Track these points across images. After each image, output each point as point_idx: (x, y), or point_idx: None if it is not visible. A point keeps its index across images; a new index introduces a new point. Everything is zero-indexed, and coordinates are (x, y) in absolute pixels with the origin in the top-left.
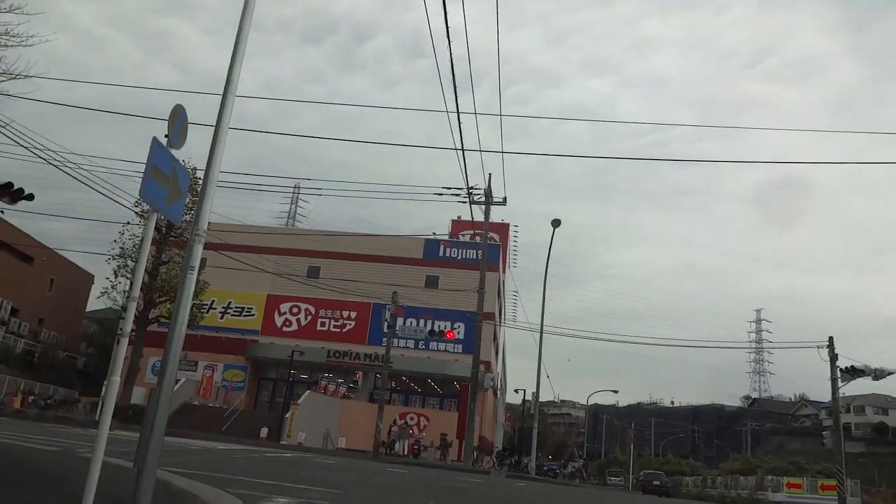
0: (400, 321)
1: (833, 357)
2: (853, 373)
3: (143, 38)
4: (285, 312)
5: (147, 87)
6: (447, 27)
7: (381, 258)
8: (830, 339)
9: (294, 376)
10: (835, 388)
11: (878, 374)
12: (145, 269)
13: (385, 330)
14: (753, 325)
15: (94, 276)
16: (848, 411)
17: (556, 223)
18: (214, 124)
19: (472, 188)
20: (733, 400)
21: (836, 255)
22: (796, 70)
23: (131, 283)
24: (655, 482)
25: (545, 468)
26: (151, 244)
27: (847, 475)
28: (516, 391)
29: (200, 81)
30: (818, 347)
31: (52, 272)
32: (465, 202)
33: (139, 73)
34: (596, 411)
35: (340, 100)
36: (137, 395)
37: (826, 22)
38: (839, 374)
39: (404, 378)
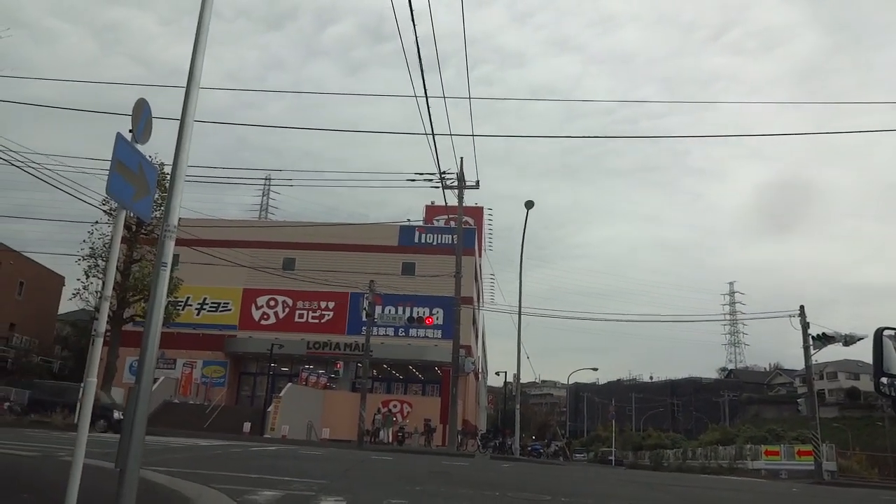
0: (378, 309)
1: (805, 325)
2: (825, 340)
3: (96, 30)
4: (262, 306)
5: (106, 81)
6: (411, 8)
7: (357, 247)
8: (801, 307)
9: (274, 369)
10: (807, 356)
11: (849, 340)
12: (117, 268)
13: (364, 319)
14: (727, 297)
15: (64, 278)
16: (821, 378)
17: (529, 205)
18: (179, 117)
19: (444, 173)
20: (710, 372)
21: (802, 225)
22: (759, 42)
23: (103, 283)
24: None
25: (529, 448)
26: (122, 242)
27: (822, 440)
28: (497, 374)
29: (160, 74)
30: (790, 316)
31: (20, 276)
32: (437, 187)
33: (95, 68)
34: (577, 390)
35: (305, 87)
36: (116, 396)
37: None
38: (811, 342)
39: (385, 366)
